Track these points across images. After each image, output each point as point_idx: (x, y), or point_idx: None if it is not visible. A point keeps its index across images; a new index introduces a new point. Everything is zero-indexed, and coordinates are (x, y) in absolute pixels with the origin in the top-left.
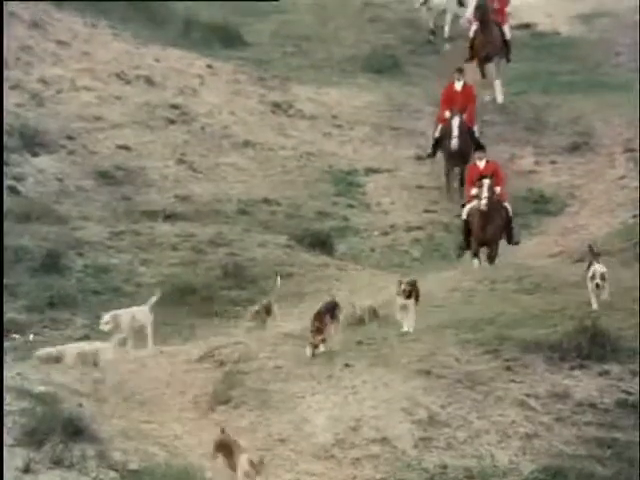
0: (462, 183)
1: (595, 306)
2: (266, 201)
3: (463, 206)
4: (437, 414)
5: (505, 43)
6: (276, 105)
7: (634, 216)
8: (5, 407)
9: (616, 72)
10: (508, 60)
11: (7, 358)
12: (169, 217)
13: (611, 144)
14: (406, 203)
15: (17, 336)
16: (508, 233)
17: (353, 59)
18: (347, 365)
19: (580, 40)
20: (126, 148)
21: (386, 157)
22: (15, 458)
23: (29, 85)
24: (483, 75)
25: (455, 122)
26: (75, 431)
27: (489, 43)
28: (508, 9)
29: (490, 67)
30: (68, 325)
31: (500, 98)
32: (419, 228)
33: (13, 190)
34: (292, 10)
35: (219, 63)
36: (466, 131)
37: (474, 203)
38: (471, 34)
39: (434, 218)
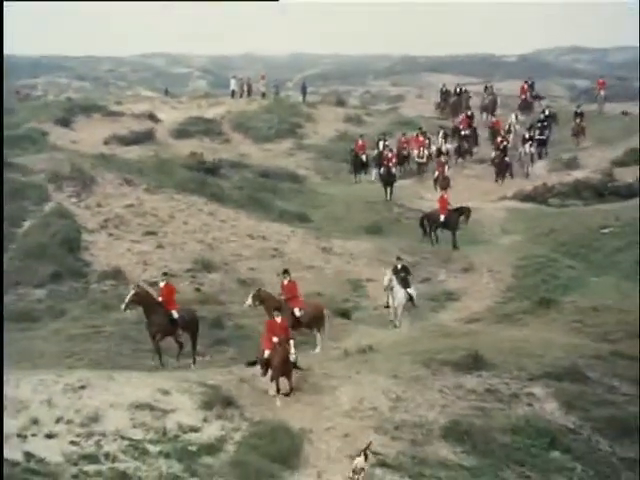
0: None
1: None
2: (319, 294)
3: None
4: (400, 397)
5: None
6: (324, 249)
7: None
8: None
9: None
10: None
11: None
12: None
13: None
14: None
15: None
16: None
17: (360, 227)
18: (357, 372)
19: None
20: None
21: (376, 273)
22: None
23: None
24: None
25: None
26: None
27: None
28: None
29: None
30: None
31: None
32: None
33: None
34: (332, 205)
35: (297, 229)
36: None
37: None
38: None
39: None
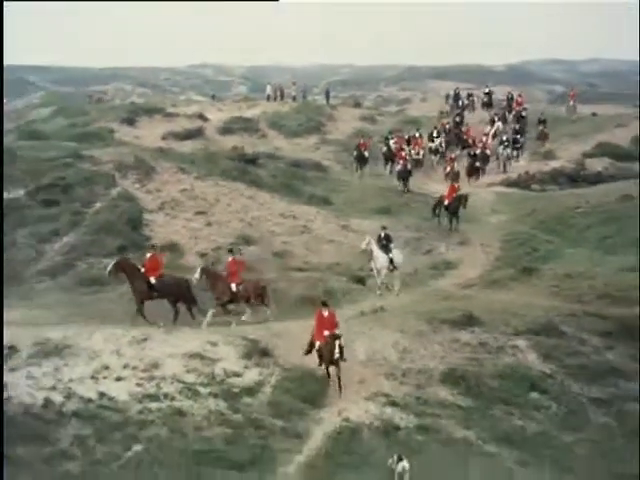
0: None
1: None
2: (338, 264)
3: None
4: (406, 349)
5: None
6: (343, 226)
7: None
8: None
9: None
10: None
11: None
12: None
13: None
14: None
15: None
16: None
17: (373, 209)
18: (370, 329)
19: None
20: (284, 243)
21: None
22: None
23: None
24: None
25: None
26: None
27: None
28: None
29: None
30: None
31: None
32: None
33: None
34: (350, 191)
35: (321, 210)
36: None
37: None
38: None
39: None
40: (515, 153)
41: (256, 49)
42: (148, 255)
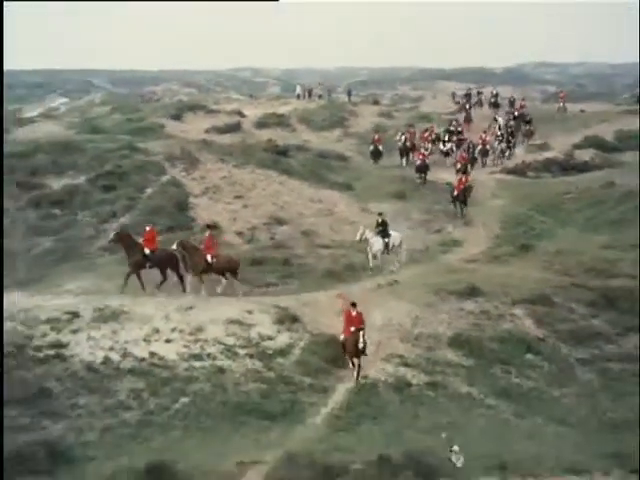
0: None
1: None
2: (358, 242)
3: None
4: (418, 316)
5: None
6: (363, 209)
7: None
8: None
9: None
10: None
11: None
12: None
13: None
14: (409, 235)
15: None
16: None
17: (390, 193)
18: (387, 299)
19: None
20: (311, 224)
21: (400, 226)
22: None
23: None
24: None
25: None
26: None
27: None
28: None
29: None
30: None
31: None
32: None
33: None
34: (369, 178)
35: (344, 195)
36: None
37: None
38: None
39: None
40: (507, 149)
41: (287, 53)
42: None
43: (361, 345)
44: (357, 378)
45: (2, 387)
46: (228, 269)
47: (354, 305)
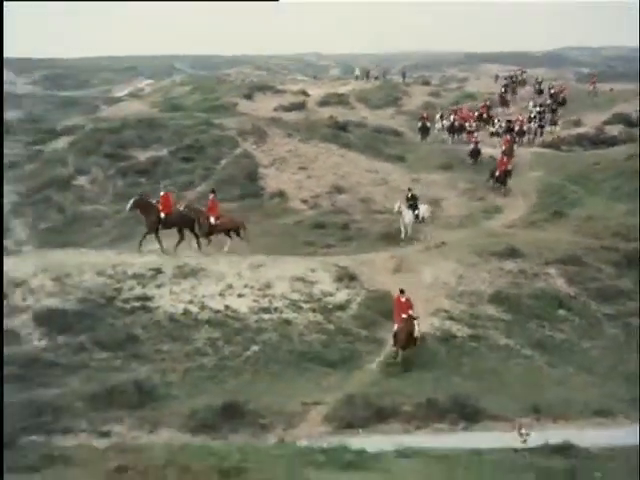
0: None
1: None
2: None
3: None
4: (462, 275)
5: None
6: (414, 179)
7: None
8: None
9: None
10: None
11: None
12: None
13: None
14: (456, 202)
15: None
16: None
17: (438, 165)
18: (435, 260)
19: None
20: (368, 192)
21: (448, 195)
22: None
23: None
24: None
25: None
26: None
27: None
28: None
29: None
30: None
31: None
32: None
33: None
34: (419, 151)
35: (397, 166)
36: None
37: None
38: None
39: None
40: (539, 128)
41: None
42: (162, 193)
43: (417, 334)
44: (404, 367)
45: (2, 387)
46: (232, 229)
47: (402, 292)
